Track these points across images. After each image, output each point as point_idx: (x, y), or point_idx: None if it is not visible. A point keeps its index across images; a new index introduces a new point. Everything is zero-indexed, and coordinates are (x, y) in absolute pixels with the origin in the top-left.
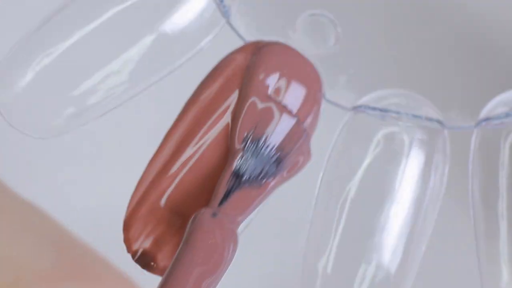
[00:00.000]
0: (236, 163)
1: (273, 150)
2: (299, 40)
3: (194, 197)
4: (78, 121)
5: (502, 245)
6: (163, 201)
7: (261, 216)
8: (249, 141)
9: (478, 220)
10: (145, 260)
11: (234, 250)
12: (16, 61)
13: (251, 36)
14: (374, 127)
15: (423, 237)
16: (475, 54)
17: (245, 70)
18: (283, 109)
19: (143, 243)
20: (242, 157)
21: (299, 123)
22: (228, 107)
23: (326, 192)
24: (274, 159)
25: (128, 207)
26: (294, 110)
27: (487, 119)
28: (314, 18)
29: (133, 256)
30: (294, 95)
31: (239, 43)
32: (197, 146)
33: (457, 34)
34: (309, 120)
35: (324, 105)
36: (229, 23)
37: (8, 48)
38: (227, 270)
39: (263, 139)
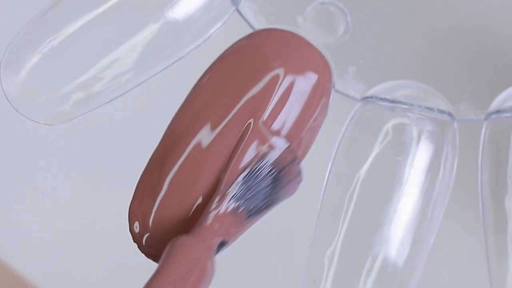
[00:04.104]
0: (227, 196)
1: (265, 189)
2: (308, 29)
3: (198, 183)
4: (84, 107)
5: (509, 239)
6: (164, 188)
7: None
8: (244, 177)
9: (486, 213)
10: (150, 250)
11: (212, 270)
12: (23, 44)
13: (260, 24)
14: (384, 118)
15: (431, 229)
16: (485, 47)
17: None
18: (278, 143)
19: (148, 232)
20: (234, 189)
21: (294, 156)
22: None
23: (334, 183)
24: (265, 199)
25: (133, 197)
26: (303, 101)
27: (497, 112)
28: (324, 7)
29: (139, 246)
30: (303, 86)
31: (248, 31)
32: (204, 132)
33: (468, 26)
34: (316, 113)
35: (333, 95)
36: (238, 10)
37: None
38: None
39: (255, 176)
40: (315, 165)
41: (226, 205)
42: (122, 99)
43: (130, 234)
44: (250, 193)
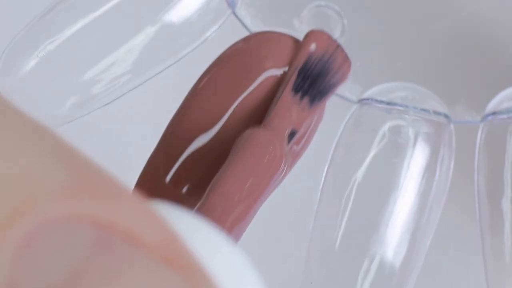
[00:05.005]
0: (291, 83)
1: (322, 77)
2: (305, 31)
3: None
4: (82, 110)
5: (506, 240)
6: (168, 179)
7: (265, 209)
8: (300, 70)
9: (483, 215)
10: None
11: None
12: (20, 48)
13: (257, 27)
14: (380, 120)
15: (428, 231)
16: (481, 49)
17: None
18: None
19: None
20: (297, 78)
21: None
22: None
23: (331, 185)
24: (323, 85)
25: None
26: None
27: (493, 113)
28: (320, 10)
29: None
30: None
31: (244, 34)
32: (202, 137)
33: (464, 28)
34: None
35: (330, 97)
36: (234, 13)
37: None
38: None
39: (311, 68)
40: (311, 168)
41: (290, 96)
42: (119, 102)
43: None
44: (308, 83)
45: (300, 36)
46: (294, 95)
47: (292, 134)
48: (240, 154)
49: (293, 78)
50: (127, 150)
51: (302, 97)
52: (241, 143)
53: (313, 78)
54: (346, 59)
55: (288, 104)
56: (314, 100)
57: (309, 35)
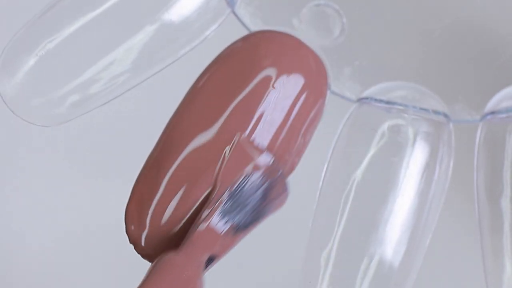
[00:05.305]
0: (217, 207)
1: (253, 204)
2: (304, 30)
3: (195, 184)
4: (81, 109)
5: (505, 239)
6: (161, 189)
7: None
8: (230, 192)
9: (482, 214)
10: (147, 251)
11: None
12: (19, 47)
13: (256, 26)
14: (379, 119)
15: (427, 230)
16: (480, 48)
17: (246, 56)
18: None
19: (145, 233)
20: (221, 205)
21: (278, 172)
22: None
23: (330, 184)
24: (253, 213)
25: (130, 198)
26: (298, 107)
27: (492, 112)
28: (319, 9)
29: (135, 247)
30: (298, 89)
31: (243, 33)
32: (201, 135)
33: (464, 27)
34: (312, 115)
35: (329, 97)
36: (234, 12)
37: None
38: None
39: (241, 193)
40: (310, 166)
41: (213, 221)
42: (119, 100)
43: (127, 235)
44: (237, 209)
45: (300, 36)
46: (218, 221)
47: (211, 259)
48: (151, 279)
49: (220, 203)
50: (125, 149)
51: (226, 223)
52: (155, 267)
53: (241, 206)
54: (285, 189)
55: (209, 231)
56: (239, 229)
57: (246, 151)
